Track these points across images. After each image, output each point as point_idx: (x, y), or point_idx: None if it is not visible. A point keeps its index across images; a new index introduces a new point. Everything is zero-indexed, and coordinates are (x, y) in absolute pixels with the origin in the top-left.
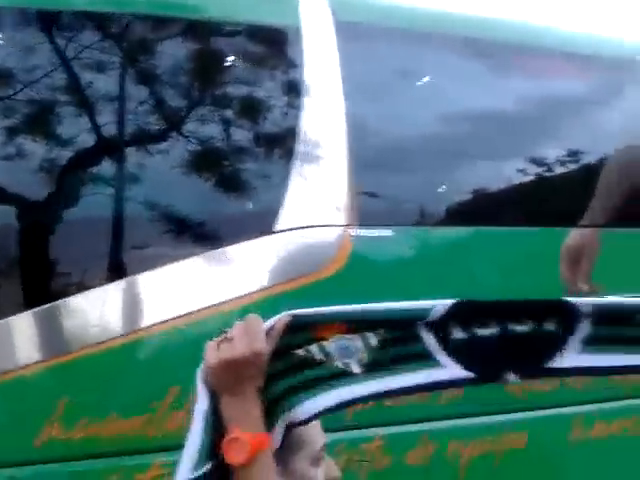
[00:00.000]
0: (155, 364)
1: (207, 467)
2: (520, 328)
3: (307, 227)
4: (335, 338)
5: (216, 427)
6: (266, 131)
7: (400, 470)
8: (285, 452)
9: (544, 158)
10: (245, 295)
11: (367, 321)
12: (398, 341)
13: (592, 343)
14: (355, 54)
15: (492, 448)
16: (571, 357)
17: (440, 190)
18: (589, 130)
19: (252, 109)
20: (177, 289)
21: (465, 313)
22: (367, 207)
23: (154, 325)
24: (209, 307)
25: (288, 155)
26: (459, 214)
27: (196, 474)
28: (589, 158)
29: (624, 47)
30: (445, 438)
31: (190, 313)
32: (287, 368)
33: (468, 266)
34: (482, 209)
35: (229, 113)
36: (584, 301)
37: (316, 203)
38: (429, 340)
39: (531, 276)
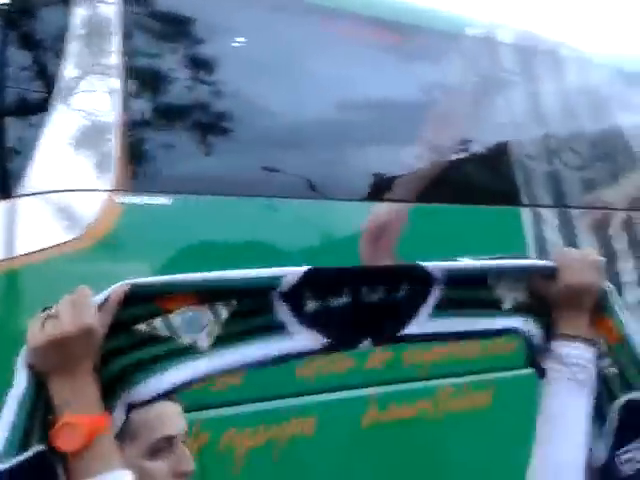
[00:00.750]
0: None
1: (19, 459)
2: (373, 295)
3: (62, 191)
4: (181, 310)
5: (35, 413)
6: (23, 86)
7: None
8: (118, 441)
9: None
10: None
11: (214, 291)
12: (248, 312)
13: (444, 308)
14: (136, 12)
15: (273, 436)
16: (423, 323)
17: (223, 156)
18: (404, 102)
19: (10, 63)
20: None
21: (317, 281)
22: (142, 173)
23: None
24: None
25: (47, 115)
26: (244, 183)
27: (4, 467)
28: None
29: (453, 20)
30: (219, 427)
31: None
32: (128, 343)
33: (247, 238)
34: (272, 177)
35: None
36: (436, 265)
37: (75, 166)
38: (281, 310)
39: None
